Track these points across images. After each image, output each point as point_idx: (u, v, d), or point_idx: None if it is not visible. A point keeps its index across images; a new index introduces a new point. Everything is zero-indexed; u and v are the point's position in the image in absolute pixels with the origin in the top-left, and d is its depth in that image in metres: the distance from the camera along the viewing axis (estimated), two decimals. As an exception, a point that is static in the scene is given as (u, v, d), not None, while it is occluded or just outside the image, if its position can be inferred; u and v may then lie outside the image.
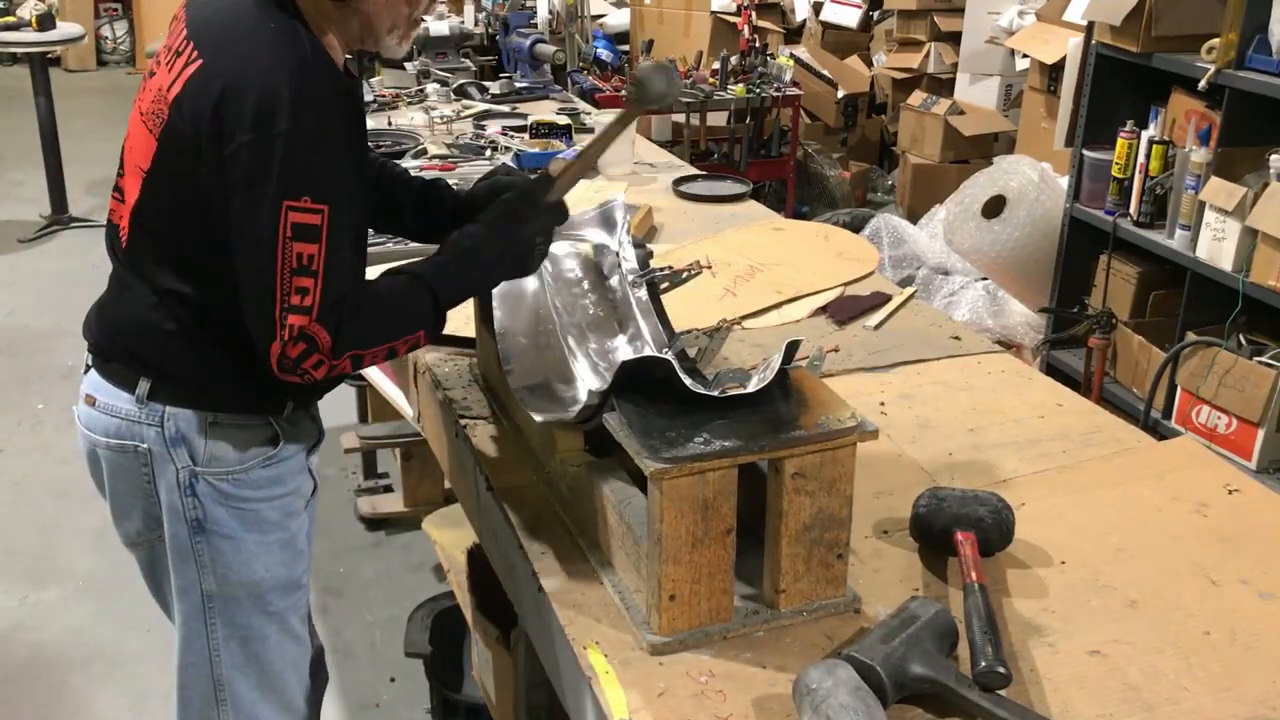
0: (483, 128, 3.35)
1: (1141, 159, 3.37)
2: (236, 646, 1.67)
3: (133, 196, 1.52)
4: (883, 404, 1.79)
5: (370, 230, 1.78)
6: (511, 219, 1.53)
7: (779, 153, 5.19)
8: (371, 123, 3.36)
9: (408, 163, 2.97)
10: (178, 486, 1.57)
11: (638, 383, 1.25)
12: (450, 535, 2.30)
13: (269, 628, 1.67)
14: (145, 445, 1.57)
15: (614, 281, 1.62)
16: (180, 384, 1.56)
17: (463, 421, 1.73)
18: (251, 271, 1.39)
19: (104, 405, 1.59)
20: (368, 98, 3.59)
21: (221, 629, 1.65)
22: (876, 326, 2.05)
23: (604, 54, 5.56)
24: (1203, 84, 3.09)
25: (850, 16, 6.50)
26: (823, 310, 2.12)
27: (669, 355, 1.34)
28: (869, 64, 6.38)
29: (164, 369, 1.55)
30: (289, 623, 1.70)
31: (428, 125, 3.38)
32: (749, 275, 2.24)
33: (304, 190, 1.36)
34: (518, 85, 3.81)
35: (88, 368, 1.64)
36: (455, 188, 1.81)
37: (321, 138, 1.38)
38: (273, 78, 1.35)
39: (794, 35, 6.67)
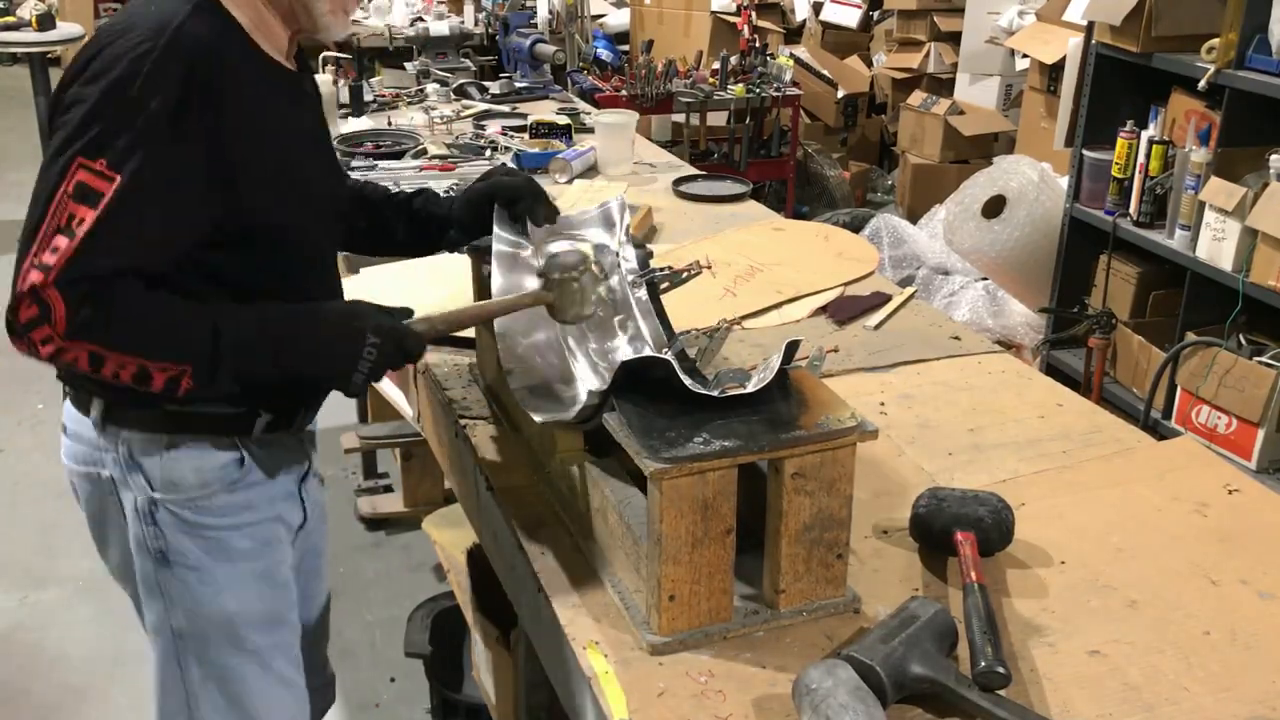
0: (483, 128, 3.35)
1: (1141, 159, 3.37)
2: (215, 688, 1.54)
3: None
4: (882, 404, 1.79)
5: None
6: (354, 311, 1.40)
7: (779, 153, 5.19)
8: (371, 123, 3.37)
9: (407, 162, 2.97)
10: (138, 515, 1.48)
11: (637, 383, 1.25)
12: (450, 535, 2.30)
13: (247, 667, 1.55)
14: (107, 472, 1.48)
15: (614, 281, 1.62)
16: (131, 405, 1.44)
17: (463, 421, 1.73)
18: (27, 221, 1.29)
19: (72, 432, 1.52)
20: (367, 97, 3.59)
21: (196, 669, 1.53)
22: (876, 326, 2.05)
23: (604, 54, 5.56)
24: (1203, 84, 3.10)
25: (850, 16, 6.50)
26: (823, 310, 2.12)
27: (669, 355, 1.34)
28: (869, 64, 6.38)
29: (109, 389, 1.42)
30: (272, 663, 1.57)
31: (427, 125, 3.39)
32: (749, 275, 2.24)
33: (102, 152, 1.26)
34: (518, 85, 3.81)
35: (63, 397, 1.55)
36: (449, 193, 1.80)
37: (161, 108, 1.27)
38: (129, 39, 1.29)
39: (794, 35, 6.67)
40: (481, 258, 1.67)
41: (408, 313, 1.45)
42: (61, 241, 1.24)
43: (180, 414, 1.44)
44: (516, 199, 1.61)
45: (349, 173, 2.19)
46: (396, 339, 1.40)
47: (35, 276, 1.24)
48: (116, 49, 1.30)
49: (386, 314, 1.42)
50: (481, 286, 1.72)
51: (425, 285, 2.11)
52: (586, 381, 1.52)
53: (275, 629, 1.57)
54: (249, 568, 1.53)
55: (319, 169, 1.55)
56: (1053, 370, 3.67)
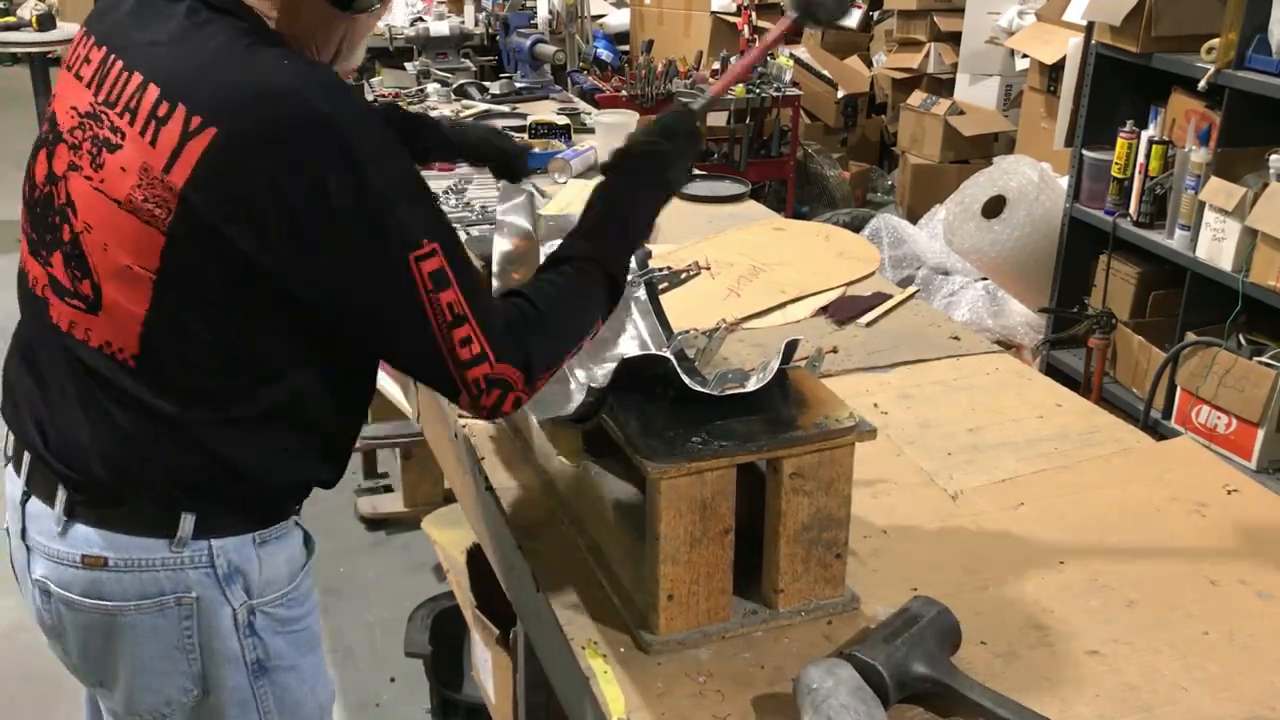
0: (483, 128, 3.35)
1: (1141, 159, 3.37)
2: None
3: (138, 306, 1.19)
4: (875, 404, 1.79)
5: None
6: (647, 154, 1.41)
7: (779, 153, 5.19)
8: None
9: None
10: (235, 630, 1.32)
11: (636, 382, 1.25)
12: (450, 535, 2.30)
13: None
14: (192, 594, 1.29)
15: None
16: (225, 509, 1.29)
17: (462, 421, 1.73)
18: (408, 348, 1.19)
19: (124, 562, 1.27)
20: (368, 97, 3.60)
21: None
22: (869, 324, 2.05)
23: (604, 54, 5.56)
24: (1203, 84, 3.09)
25: (850, 17, 6.49)
26: (824, 311, 2.12)
27: (668, 354, 1.34)
28: (869, 64, 6.37)
29: (207, 496, 1.27)
30: None
31: (427, 125, 3.38)
32: (752, 275, 2.24)
33: (416, 233, 1.14)
34: (518, 85, 3.81)
35: (66, 520, 1.28)
36: (447, 193, 1.82)
37: (395, 162, 1.16)
38: (307, 103, 1.11)
39: (794, 35, 6.67)
40: (479, 257, 1.67)
41: (685, 115, 1.48)
42: (464, 331, 1.15)
43: (263, 502, 1.33)
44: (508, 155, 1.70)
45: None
46: (687, 137, 1.47)
47: (477, 371, 1.17)
48: (311, 136, 1.11)
49: (667, 136, 1.44)
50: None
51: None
52: (585, 380, 1.52)
53: (332, 700, 1.53)
54: (321, 651, 1.46)
55: None
56: (1053, 370, 3.67)
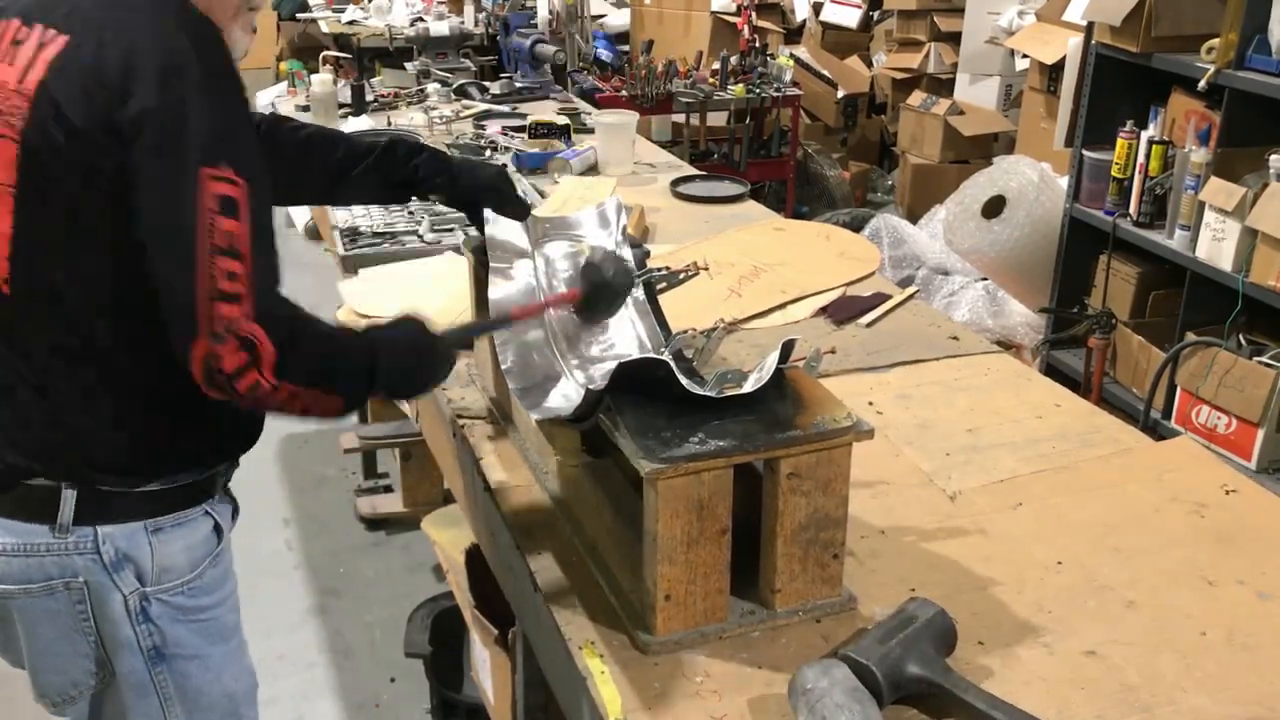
0: (483, 128, 3.36)
1: (1141, 159, 3.36)
2: None
3: (3, 223, 1.23)
4: (872, 403, 1.78)
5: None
6: (431, 344, 1.37)
7: (779, 153, 5.19)
8: (371, 122, 3.37)
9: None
10: (128, 616, 1.34)
11: (634, 383, 1.25)
12: (449, 535, 2.29)
13: None
14: (79, 579, 1.32)
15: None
16: (109, 495, 1.31)
17: (461, 421, 1.72)
18: (169, 259, 1.16)
19: (10, 546, 1.31)
20: (368, 97, 3.60)
21: None
22: (869, 324, 2.05)
23: (604, 54, 5.56)
24: (1202, 84, 3.09)
25: (850, 16, 6.49)
26: (823, 311, 2.12)
27: (666, 356, 1.34)
28: (869, 64, 6.37)
29: (84, 479, 1.29)
30: None
31: (427, 125, 3.38)
32: (753, 276, 2.24)
33: (221, 156, 1.16)
34: (518, 85, 3.81)
35: None
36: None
37: (236, 104, 1.20)
38: (173, 36, 1.18)
39: (794, 35, 6.67)
40: (479, 258, 1.67)
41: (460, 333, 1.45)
42: (234, 265, 1.14)
43: (158, 493, 1.34)
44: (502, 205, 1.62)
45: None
46: (451, 359, 1.40)
47: (228, 310, 1.13)
48: (160, 51, 1.18)
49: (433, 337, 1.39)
50: (479, 287, 1.72)
51: (424, 287, 2.11)
52: (583, 381, 1.52)
53: (254, 693, 1.52)
54: (236, 640, 1.47)
55: None
56: (1052, 370, 3.67)
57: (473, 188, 1.62)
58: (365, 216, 2.58)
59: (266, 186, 1.21)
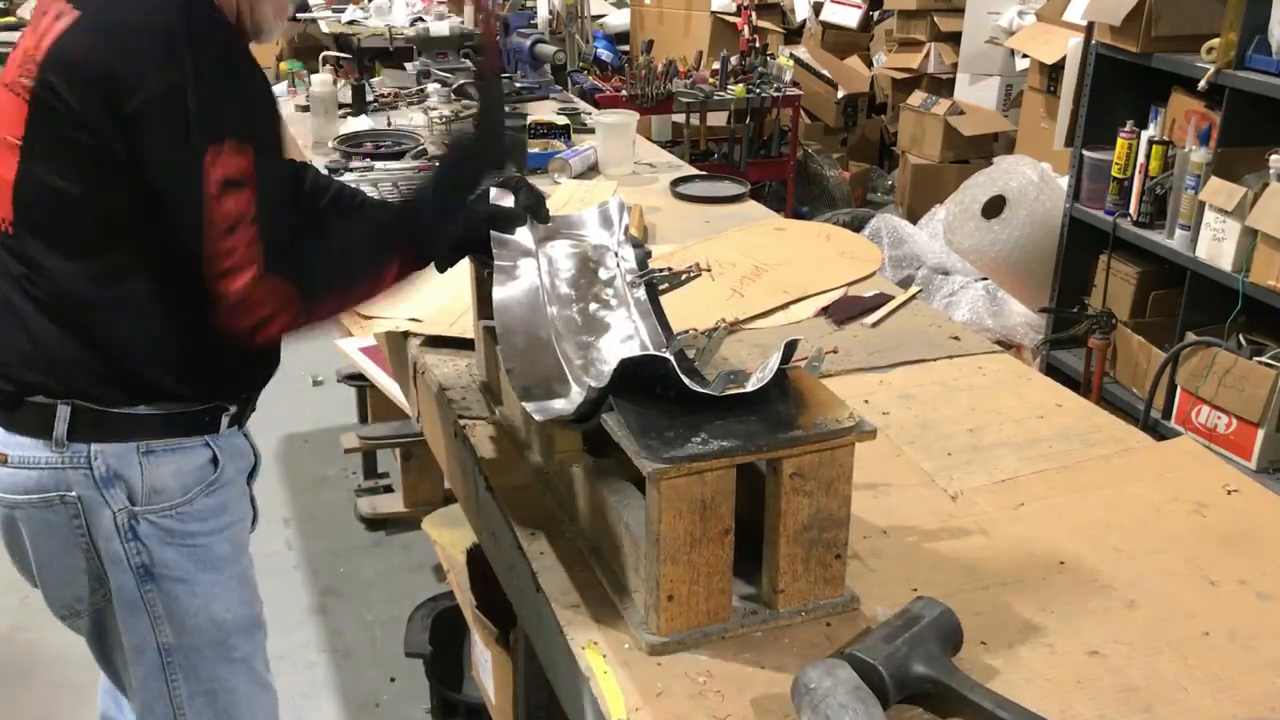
0: (483, 128, 3.35)
1: (1141, 159, 3.37)
2: (204, 704, 1.52)
3: (8, 171, 1.34)
4: (875, 403, 1.78)
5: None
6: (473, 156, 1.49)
7: (779, 153, 5.19)
8: (370, 123, 3.37)
9: (407, 163, 2.97)
10: (117, 532, 1.41)
11: (636, 382, 1.25)
12: (450, 535, 2.30)
13: (236, 677, 1.54)
14: (73, 493, 1.40)
15: (613, 282, 1.62)
16: (103, 414, 1.38)
17: (462, 421, 1.73)
18: (182, 220, 1.27)
19: (16, 459, 1.40)
20: (368, 97, 3.59)
21: (185, 685, 1.50)
22: (874, 324, 2.05)
23: (604, 54, 5.56)
24: (1203, 84, 3.09)
25: (850, 16, 6.50)
26: (824, 311, 2.12)
27: (668, 354, 1.34)
28: (869, 64, 6.38)
29: (80, 397, 1.37)
30: (255, 668, 1.57)
31: (427, 125, 3.38)
32: (754, 276, 2.24)
33: (226, 131, 1.24)
34: (518, 85, 3.81)
35: None
36: None
37: (234, 73, 1.28)
38: (164, 14, 1.25)
39: (794, 35, 6.67)
40: (479, 258, 1.67)
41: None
42: (237, 241, 1.24)
43: (153, 417, 1.40)
44: (516, 220, 1.62)
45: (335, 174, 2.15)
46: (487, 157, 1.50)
47: (235, 285, 1.24)
48: (153, 32, 1.25)
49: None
50: (480, 289, 1.72)
51: (423, 288, 2.11)
52: (585, 381, 1.52)
53: (255, 632, 1.57)
54: (231, 573, 1.50)
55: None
56: (1052, 370, 3.67)
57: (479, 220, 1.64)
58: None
59: (275, 137, 1.30)
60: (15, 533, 1.46)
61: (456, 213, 1.47)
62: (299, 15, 6.11)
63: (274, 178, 1.29)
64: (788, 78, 5.05)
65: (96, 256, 1.33)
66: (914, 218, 5.02)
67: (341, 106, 3.42)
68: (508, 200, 1.64)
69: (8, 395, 1.40)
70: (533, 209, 1.61)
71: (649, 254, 1.65)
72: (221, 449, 1.48)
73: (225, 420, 1.49)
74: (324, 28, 5.79)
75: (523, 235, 1.62)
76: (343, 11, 5.82)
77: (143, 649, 1.48)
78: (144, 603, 1.45)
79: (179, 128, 1.24)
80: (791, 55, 5.55)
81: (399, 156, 3.03)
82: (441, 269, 1.67)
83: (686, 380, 1.22)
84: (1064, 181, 3.79)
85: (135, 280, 1.35)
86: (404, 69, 4.07)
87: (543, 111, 3.43)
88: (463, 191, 1.48)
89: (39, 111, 1.30)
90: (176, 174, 1.25)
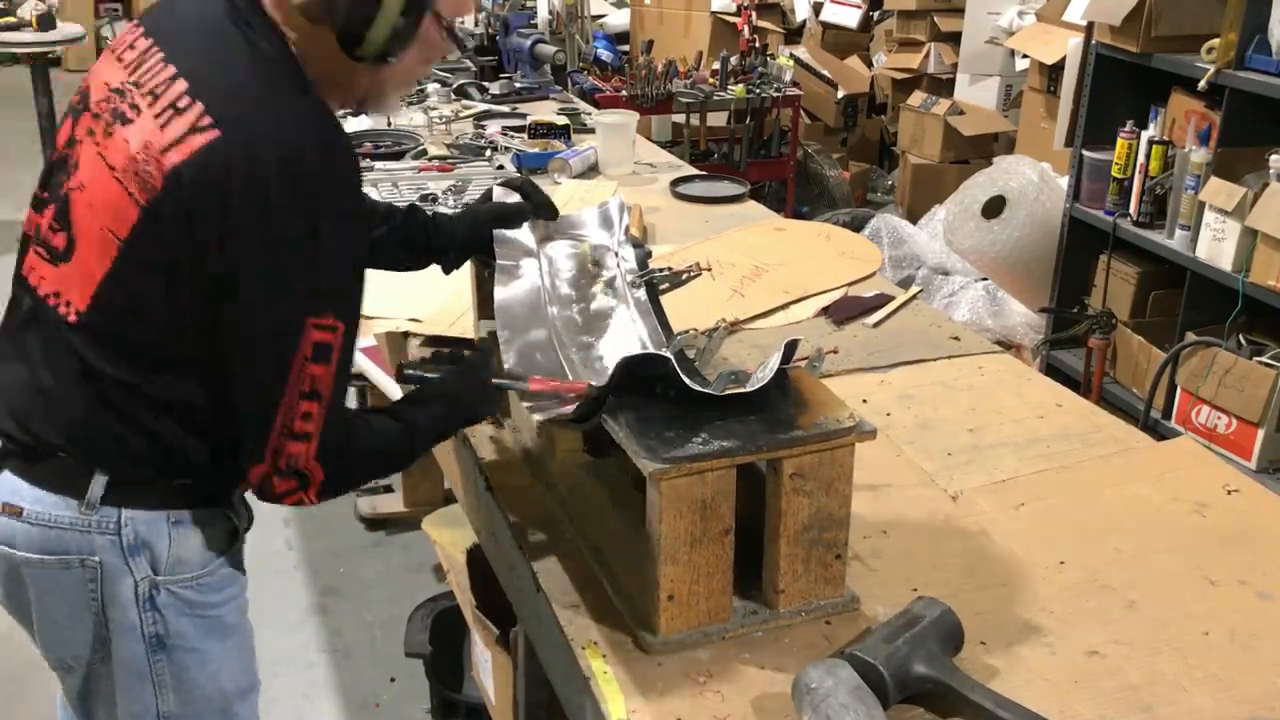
0: (482, 128, 3.35)
1: (1141, 159, 3.37)
2: None
3: (98, 266, 1.26)
4: (875, 404, 1.78)
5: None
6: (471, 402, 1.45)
7: (779, 153, 5.19)
8: (370, 123, 3.36)
9: (407, 163, 2.97)
10: (135, 601, 1.37)
11: (636, 382, 1.25)
12: (450, 535, 2.29)
13: None
14: (96, 558, 1.35)
15: (614, 282, 1.62)
16: (141, 482, 1.35)
17: (462, 422, 1.72)
18: (254, 384, 1.23)
19: (34, 515, 1.34)
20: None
21: None
22: (876, 324, 2.05)
23: (604, 54, 5.56)
24: (1203, 84, 3.09)
25: (850, 16, 6.49)
26: (825, 311, 2.12)
27: (668, 354, 1.34)
28: (869, 64, 6.38)
29: (122, 466, 1.33)
30: None
31: (427, 125, 3.38)
32: (755, 276, 2.24)
33: (329, 306, 1.21)
34: (518, 85, 3.81)
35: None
36: (447, 194, 1.74)
37: (349, 240, 1.22)
38: (300, 157, 1.19)
39: (794, 35, 6.67)
40: (481, 261, 1.67)
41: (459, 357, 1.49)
42: (311, 406, 1.22)
43: (183, 487, 1.38)
44: (520, 216, 1.62)
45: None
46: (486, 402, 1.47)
47: (297, 449, 1.22)
48: (282, 170, 1.18)
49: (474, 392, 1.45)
50: (481, 289, 1.72)
51: (424, 288, 2.11)
52: (586, 380, 1.52)
53: (251, 694, 1.54)
54: (236, 641, 1.49)
55: None
56: (1052, 370, 3.67)
57: (483, 219, 1.63)
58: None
59: (358, 318, 1.27)
60: (17, 584, 1.41)
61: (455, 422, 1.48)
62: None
63: (350, 357, 1.27)
64: (788, 78, 5.05)
65: (160, 365, 1.30)
66: (914, 218, 5.01)
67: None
68: (512, 199, 1.64)
69: (32, 446, 1.34)
70: (541, 207, 1.61)
71: (649, 254, 1.65)
72: (238, 516, 1.47)
73: (239, 488, 1.46)
74: (324, 28, 5.77)
75: (524, 235, 1.62)
76: (343, 11, 5.81)
77: (142, 716, 1.44)
78: (151, 672, 1.42)
79: (288, 286, 1.20)
80: (791, 55, 5.55)
81: (399, 156, 3.03)
82: (448, 270, 1.67)
83: (687, 381, 1.22)
84: (1064, 181, 3.79)
85: (183, 396, 1.31)
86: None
87: (543, 111, 3.43)
88: (456, 424, 1.50)
89: (151, 219, 1.22)
90: (274, 325, 1.21)
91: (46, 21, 5.50)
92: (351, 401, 3.77)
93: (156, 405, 1.30)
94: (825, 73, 6.11)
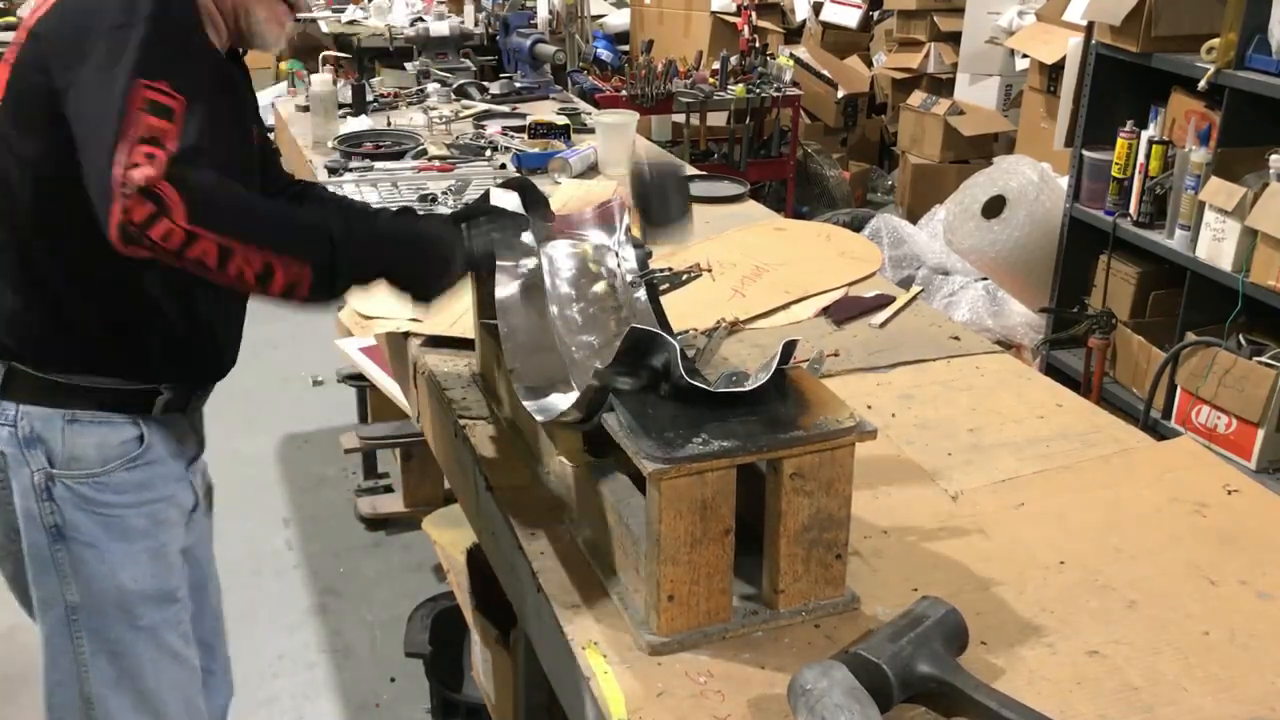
0: (482, 128, 3.35)
1: (1141, 159, 3.37)
2: (105, 662, 1.58)
3: None
4: (875, 404, 1.78)
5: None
6: (448, 241, 1.48)
7: (779, 153, 5.19)
8: (370, 123, 3.36)
9: (407, 163, 2.97)
10: (33, 490, 1.49)
11: (638, 368, 1.24)
12: (450, 535, 2.30)
13: (140, 644, 1.58)
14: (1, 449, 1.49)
15: (614, 282, 1.62)
16: (38, 378, 1.46)
17: (462, 421, 1.73)
18: (94, 140, 1.25)
19: None
20: (368, 97, 3.59)
21: (89, 642, 1.57)
22: (882, 325, 2.05)
23: (604, 54, 5.57)
24: (1203, 84, 3.10)
25: (850, 16, 6.50)
26: (825, 311, 2.12)
27: (674, 341, 1.34)
28: (869, 64, 6.38)
29: (18, 357, 1.46)
30: (164, 639, 1.60)
31: (427, 125, 3.38)
32: (755, 276, 2.24)
33: (162, 74, 1.26)
34: (518, 85, 3.81)
35: None
36: (446, 193, 1.76)
37: (188, 40, 1.35)
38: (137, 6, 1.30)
39: (794, 35, 6.67)
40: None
41: (520, 222, 1.52)
42: (153, 149, 1.22)
43: (83, 388, 1.47)
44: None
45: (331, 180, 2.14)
46: (474, 264, 1.51)
47: (141, 174, 1.20)
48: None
49: (481, 233, 1.50)
50: (481, 289, 1.72)
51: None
52: (588, 380, 1.52)
53: (167, 605, 1.60)
54: (143, 546, 1.56)
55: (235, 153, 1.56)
56: (1052, 370, 3.67)
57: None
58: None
59: (217, 120, 1.33)
60: None
61: (384, 266, 1.43)
62: (299, 17, 6.10)
63: (205, 131, 1.27)
64: (788, 78, 5.05)
65: (49, 218, 1.40)
66: (914, 218, 5.02)
67: (341, 106, 3.42)
68: (510, 199, 1.64)
69: None
70: (537, 205, 1.63)
71: (649, 254, 1.65)
72: (151, 430, 1.54)
73: (160, 404, 1.54)
74: (324, 28, 5.78)
75: (524, 235, 1.62)
76: (343, 11, 5.83)
77: (50, 603, 1.55)
78: (54, 561, 1.52)
79: (116, 60, 1.26)
80: (791, 55, 5.55)
81: (399, 156, 3.03)
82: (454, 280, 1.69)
83: (684, 376, 1.22)
84: (1064, 181, 3.79)
85: (83, 251, 1.38)
86: (404, 69, 4.07)
87: (543, 111, 3.43)
88: (410, 265, 1.45)
89: (18, 73, 1.39)
90: (104, 88, 1.26)
91: (46, 21, 5.49)
92: (351, 401, 3.79)
93: (49, 272, 1.41)
94: (825, 73, 6.11)
